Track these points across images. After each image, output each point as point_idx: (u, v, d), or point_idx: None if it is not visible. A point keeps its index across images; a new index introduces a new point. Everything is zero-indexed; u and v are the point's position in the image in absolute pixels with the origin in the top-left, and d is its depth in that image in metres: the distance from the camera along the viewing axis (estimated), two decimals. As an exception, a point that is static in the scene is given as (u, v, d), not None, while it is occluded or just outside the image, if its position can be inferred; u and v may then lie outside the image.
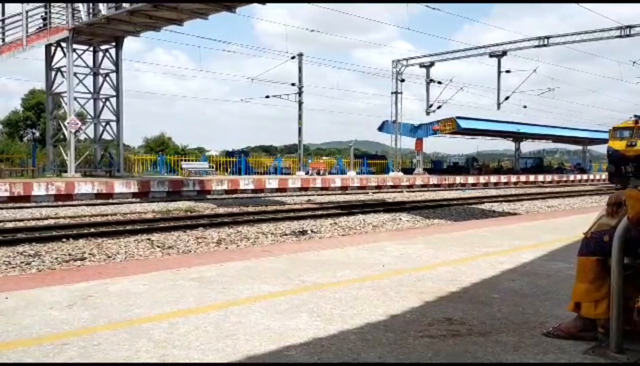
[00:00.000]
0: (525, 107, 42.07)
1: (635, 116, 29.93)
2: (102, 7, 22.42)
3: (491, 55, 35.97)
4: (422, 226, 12.50)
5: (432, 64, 39.59)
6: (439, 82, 39.60)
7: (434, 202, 19.10)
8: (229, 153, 44.62)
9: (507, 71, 36.15)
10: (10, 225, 11.89)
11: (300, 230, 11.18)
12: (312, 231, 11.11)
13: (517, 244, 6.59)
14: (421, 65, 40.01)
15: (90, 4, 23.18)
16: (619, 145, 29.49)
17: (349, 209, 15.50)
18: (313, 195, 24.75)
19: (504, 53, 35.38)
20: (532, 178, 45.45)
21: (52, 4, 23.77)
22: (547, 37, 33.32)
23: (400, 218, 13.60)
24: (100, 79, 26.44)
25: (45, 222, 12.33)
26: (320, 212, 14.83)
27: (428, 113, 40.57)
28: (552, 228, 8.58)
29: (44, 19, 23.81)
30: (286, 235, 10.57)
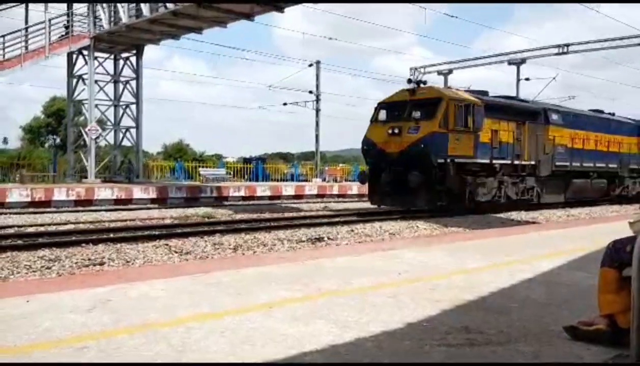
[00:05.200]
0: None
1: (411, 81, 17.89)
2: (123, 16, 22.74)
3: (510, 62, 35.73)
4: (439, 234, 12.42)
5: (450, 71, 39.42)
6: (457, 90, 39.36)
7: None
8: (246, 160, 44.81)
9: (527, 79, 35.87)
10: (31, 229, 12.07)
11: (317, 236, 11.17)
12: (328, 238, 11.09)
13: (537, 253, 6.52)
14: (439, 73, 39.87)
15: (112, 13, 23.53)
16: (378, 134, 16.84)
17: (366, 216, 15.45)
18: (330, 202, 24.72)
19: (523, 61, 35.09)
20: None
21: (74, 13, 24.20)
22: (567, 45, 32.97)
23: (418, 226, 13.52)
24: (121, 86, 26.78)
25: (66, 227, 12.48)
26: (336, 219, 14.80)
27: (445, 121, 40.23)
28: (572, 237, 8.47)
29: (66, 27, 24.22)
30: (302, 241, 10.58)
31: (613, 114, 25.04)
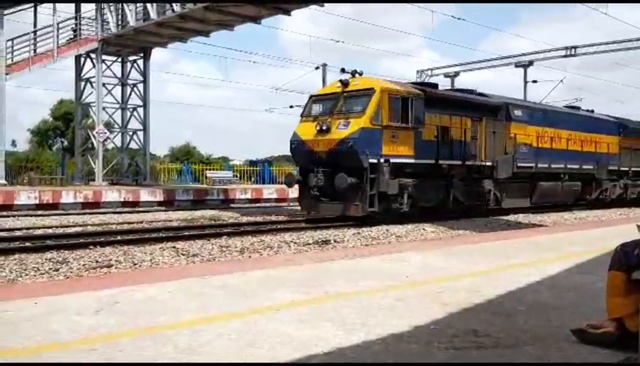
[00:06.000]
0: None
1: (345, 71, 15.41)
2: (131, 19, 22.87)
3: (517, 65, 35.62)
4: (446, 237, 12.39)
5: (457, 74, 39.36)
6: (464, 92, 39.27)
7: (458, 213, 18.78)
8: (252, 163, 44.89)
9: (534, 81, 35.73)
10: (39, 232, 12.13)
11: (323, 239, 11.16)
12: (334, 241, 11.09)
13: (544, 256, 6.49)
14: (446, 75, 39.81)
15: (119, 16, 23.68)
16: (307, 130, 14.91)
17: (372, 219, 15.43)
18: (336, 204, 24.68)
19: (530, 63, 34.98)
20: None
21: (81, 17, 24.38)
22: (574, 47, 32.86)
23: (425, 229, 13.49)
24: (128, 89, 26.93)
25: (73, 230, 12.53)
26: (342, 222, 14.79)
27: (452, 123, 40.09)
28: (580, 240, 8.42)
29: (74, 30, 24.40)
30: (309, 244, 10.58)
31: (592, 111, 23.41)
